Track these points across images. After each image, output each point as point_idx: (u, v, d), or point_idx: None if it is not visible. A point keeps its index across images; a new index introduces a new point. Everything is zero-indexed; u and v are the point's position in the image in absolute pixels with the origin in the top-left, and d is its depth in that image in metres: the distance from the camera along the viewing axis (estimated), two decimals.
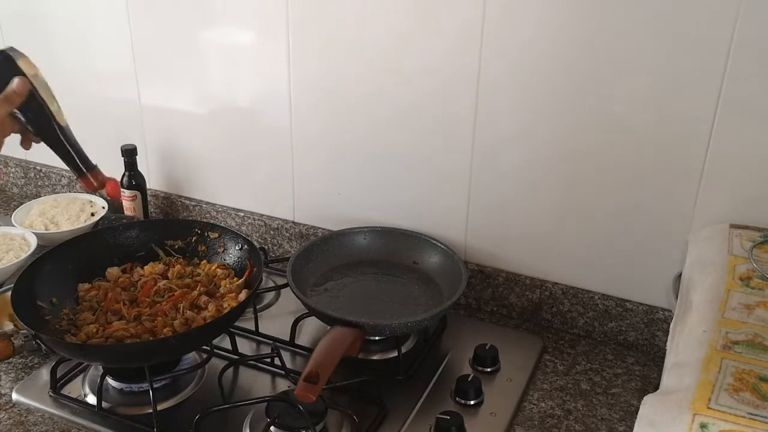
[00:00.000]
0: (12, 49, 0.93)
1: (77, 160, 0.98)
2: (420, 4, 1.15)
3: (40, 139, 0.96)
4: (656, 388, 0.84)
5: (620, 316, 1.19)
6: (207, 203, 1.52)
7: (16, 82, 0.91)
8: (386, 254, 1.31)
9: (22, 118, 0.93)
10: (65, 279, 1.17)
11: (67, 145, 0.96)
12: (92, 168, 0.99)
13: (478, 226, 1.26)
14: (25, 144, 0.97)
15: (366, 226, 1.32)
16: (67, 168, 0.99)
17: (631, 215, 1.13)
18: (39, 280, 1.13)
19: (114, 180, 1.04)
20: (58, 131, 0.95)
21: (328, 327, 1.11)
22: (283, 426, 0.97)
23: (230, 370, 1.12)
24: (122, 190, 1.49)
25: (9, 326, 1.19)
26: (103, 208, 1.54)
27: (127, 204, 1.50)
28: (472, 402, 1.05)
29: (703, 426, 0.67)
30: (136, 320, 1.11)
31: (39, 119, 0.94)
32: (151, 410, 1.01)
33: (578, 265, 1.20)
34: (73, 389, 1.09)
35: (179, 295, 1.15)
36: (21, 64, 0.92)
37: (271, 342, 1.18)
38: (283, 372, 1.10)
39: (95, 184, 0.99)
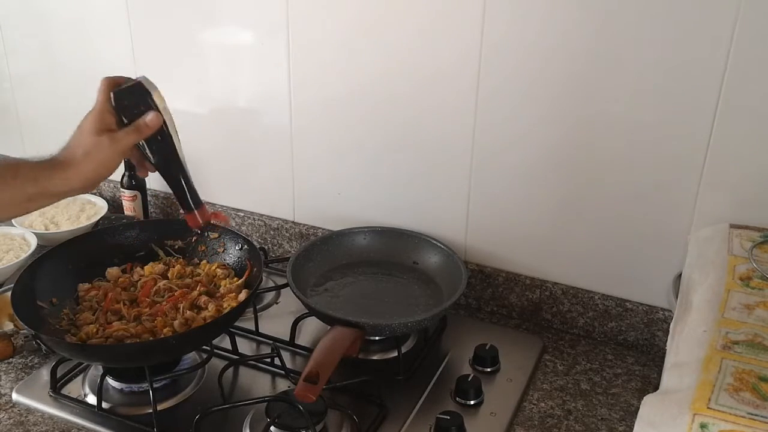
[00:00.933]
0: (146, 79, 0.94)
1: (188, 196, 0.99)
2: (421, 6, 1.15)
3: (156, 170, 0.97)
4: (656, 388, 0.84)
5: (620, 316, 1.19)
6: (207, 203, 1.52)
7: (150, 116, 0.92)
8: (386, 254, 1.31)
9: (147, 149, 0.95)
10: (65, 279, 1.17)
11: (182, 181, 0.98)
12: (201, 205, 1.01)
13: (478, 226, 1.26)
14: (142, 172, 0.99)
15: (366, 226, 1.32)
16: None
17: (631, 215, 1.13)
18: (39, 280, 1.13)
19: (220, 212, 1.07)
20: (178, 168, 0.97)
21: (328, 327, 1.11)
22: (283, 426, 0.97)
23: (230, 370, 1.12)
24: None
25: (9, 326, 1.19)
26: (103, 208, 1.54)
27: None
28: (472, 402, 1.05)
29: (703, 426, 0.67)
30: (136, 320, 1.11)
31: (162, 152, 0.95)
32: (151, 410, 1.01)
33: (578, 265, 1.20)
34: (73, 389, 1.09)
35: (179, 295, 1.15)
36: (155, 96, 0.93)
37: (271, 342, 1.18)
38: (283, 372, 1.10)
39: (200, 221, 1.01)
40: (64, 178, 0.90)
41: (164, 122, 0.93)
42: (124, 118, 0.93)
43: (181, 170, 0.97)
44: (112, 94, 0.93)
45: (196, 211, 1.01)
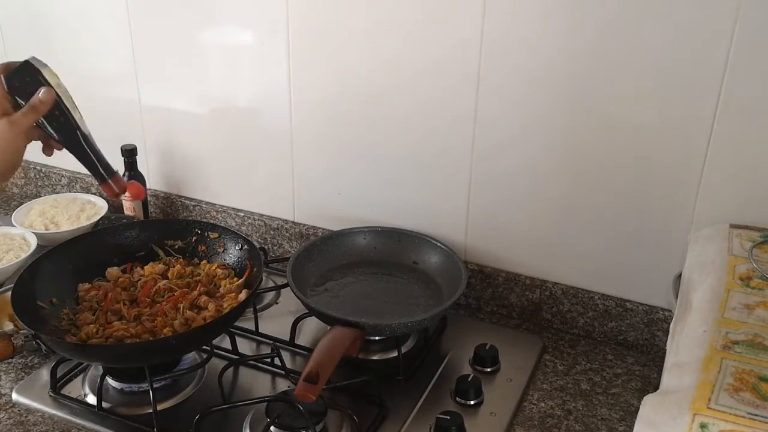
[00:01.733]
0: (34, 59, 0.94)
1: (99, 167, 0.99)
2: (421, 6, 1.15)
3: (62, 147, 0.97)
4: (656, 388, 0.84)
5: (620, 316, 1.19)
6: (207, 203, 1.52)
7: (42, 92, 0.91)
8: (386, 254, 1.31)
9: (48, 127, 0.95)
10: (65, 279, 1.17)
11: (90, 153, 0.98)
12: (113, 174, 1.00)
13: (478, 226, 1.26)
14: (47, 151, 0.99)
15: (366, 226, 1.32)
16: (68, 169, 1.00)
17: (631, 215, 1.13)
18: (39, 280, 1.13)
19: (136, 183, 1.05)
20: (81, 139, 0.96)
21: (328, 327, 1.11)
22: (283, 426, 0.97)
23: (230, 370, 1.12)
24: None
25: (9, 326, 1.19)
26: (103, 208, 1.54)
27: (127, 204, 1.50)
28: (472, 402, 1.05)
29: (703, 426, 0.67)
30: (136, 320, 1.11)
31: (64, 128, 0.95)
32: (151, 410, 1.01)
33: (578, 265, 1.20)
34: (73, 389, 1.09)
35: (179, 295, 1.15)
36: (46, 73, 0.93)
37: (271, 342, 1.18)
38: (283, 372, 1.10)
39: (116, 190, 1.01)
40: None
41: (59, 97, 0.93)
42: (19, 100, 0.92)
43: (87, 142, 0.97)
44: (2, 78, 0.92)
45: (110, 181, 1.00)
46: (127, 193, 1.05)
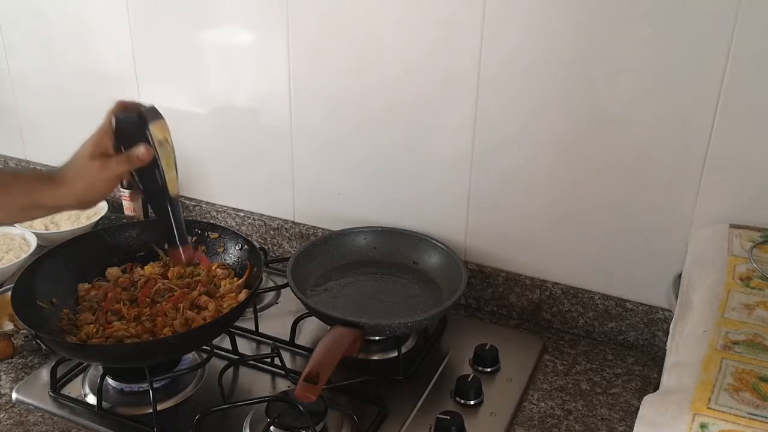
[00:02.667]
0: (152, 108, 0.94)
1: (175, 233, 0.98)
2: (420, 4, 1.15)
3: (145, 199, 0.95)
4: (656, 388, 0.84)
5: (620, 316, 1.19)
6: (207, 203, 1.52)
7: (143, 150, 0.92)
8: (386, 254, 1.31)
9: (137, 179, 0.95)
10: (65, 279, 1.17)
11: (171, 216, 0.97)
12: (186, 242, 1.00)
13: (478, 226, 1.26)
14: (134, 196, 1.02)
15: (366, 226, 1.32)
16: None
17: (630, 215, 1.13)
18: (39, 280, 1.13)
19: (201, 253, 1.07)
20: (165, 201, 0.96)
21: (328, 327, 1.11)
22: (283, 426, 0.97)
23: (230, 370, 1.12)
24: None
25: (9, 326, 1.19)
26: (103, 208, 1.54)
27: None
28: (472, 402, 1.05)
29: (703, 426, 0.67)
30: (136, 320, 1.11)
31: (151, 186, 0.95)
32: (151, 410, 1.01)
33: (578, 265, 1.20)
34: (73, 389, 1.09)
35: (179, 295, 1.15)
36: (153, 127, 0.92)
37: (271, 342, 1.18)
38: (283, 372, 1.10)
39: (183, 258, 1.00)
40: (53, 195, 0.92)
41: (157, 156, 0.93)
42: (121, 145, 0.93)
43: (171, 205, 0.97)
44: (113, 118, 0.93)
45: (180, 248, 0.99)
46: (194, 260, 1.05)
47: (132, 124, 0.92)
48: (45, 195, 0.92)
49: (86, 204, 0.95)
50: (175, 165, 0.96)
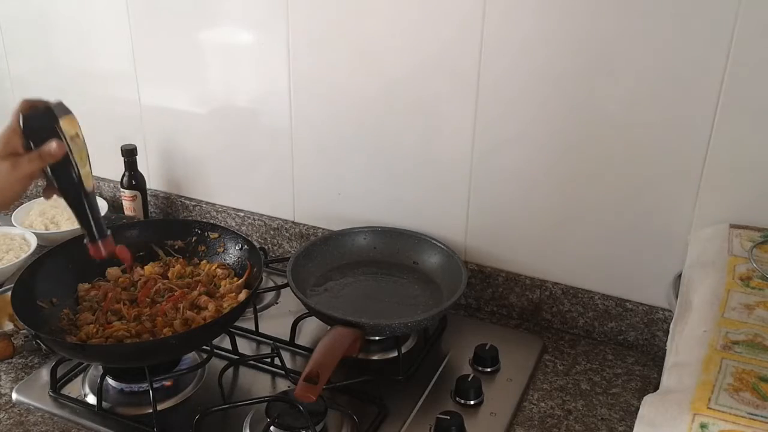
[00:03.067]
0: (60, 105, 0.92)
1: (93, 227, 0.97)
2: (420, 5, 1.15)
3: (61, 196, 0.95)
4: (656, 388, 0.84)
5: (620, 316, 1.19)
6: (207, 203, 1.52)
7: (54, 146, 0.90)
8: (386, 254, 1.31)
9: (51, 176, 0.93)
10: (65, 279, 1.17)
11: (88, 211, 0.96)
12: (105, 236, 0.98)
13: (478, 226, 1.26)
14: (47, 194, 0.97)
15: (366, 226, 1.32)
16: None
17: (630, 215, 1.13)
18: (39, 280, 1.13)
19: (124, 248, 1.05)
20: (82, 196, 0.95)
21: (328, 327, 1.11)
22: (283, 426, 0.97)
23: (230, 370, 1.12)
24: (122, 190, 1.49)
25: (9, 326, 1.19)
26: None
27: (127, 204, 1.50)
28: (472, 402, 1.05)
29: (703, 426, 0.67)
30: (136, 320, 1.11)
31: (66, 182, 0.93)
32: (151, 410, 1.01)
33: (578, 265, 1.20)
34: (73, 389, 1.09)
35: (179, 295, 1.15)
36: (63, 122, 0.91)
37: (271, 342, 1.18)
38: (283, 372, 1.10)
39: (103, 252, 0.99)
40: None
41: (69, 151, 0.91)
42: (31, 143, 0.91)
43: (87, 201, 0.95)
44: (20, 116, 0.91)
45: (99, 242, 0.98)
46: (118, 254, 1.03)
47: (41, 121, 0.90)
48: None
49: (1, 207, 0.93)
50: (88, 159, 0.94)
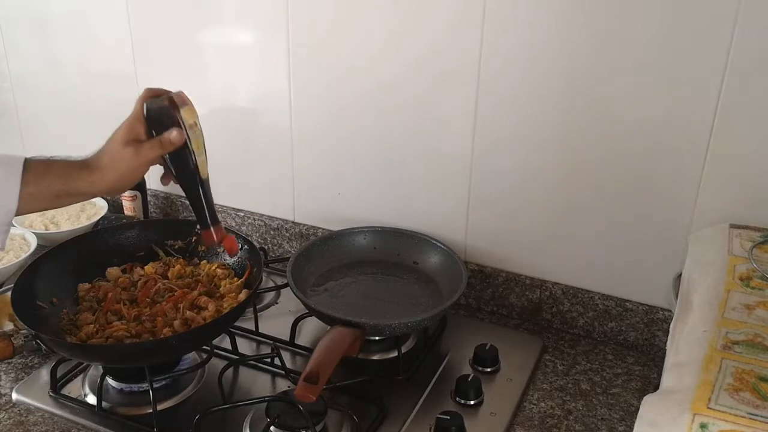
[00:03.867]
0: (180, 94, 0.96)
1: (206, 213, 1.01)
2: (421, 5, 1.15)
3: (177, 183, 0.99)
4: (656, 388, 0.84)
5: (620, 316, 1.19)
6: None
7: (174, 133, 0.94)
8: (386, 254, 1.31)
9: (170, 163, 0.98)
10: (65, 279, 1.17)
11: (202, 198, 1.00)
12: (217, 223, 1.02)
13: (478, 226, 1.26)
14: (165, 181, 1.02)
15: (366, 226, 1.32)
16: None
17: (631, 215, 1.13)
18: (39, 280, 1.13)
19: (232, 237, 1.09)
20: (197, 183, 0.98)
21: (328, 327, 1.11)
22: (283, 426, 0.97)
23: (230, 370, 1.12)
24: None
25: (9, 326, 1.19)
26: (103, 208, 1.54)
27: (127, 204, 1.50)
28: (472, 402, 1.05)
29: (703, 426, 0.67)
30: (136, 320, 1.11)
31: (183, 169, 0.98)
32: (151, 410, 1.01)
33: (578, 265, 1.20)
34: (73, 389, 1.09)
35: (179, 295, 1.15)
36: (183, 112, 0.94)
37: (271, 342, 1.18)
38: (283, 372, 1.10)
39: (215, 238, 1.02)
40: (90, 182, 0.94)
41: (188, 139, 0.95)
42: (153, 130, 0.95)
43: (202, 188, 0.99)
44: (144, 105, 0.95)
45: (212, 228, 1.02)
46: (222, 245, 1.06)
47: (163, 110, 0.94)
48: (81, 182, 0.94)
49: (118, 190, 0.99)
50: (204, 148, 0.98)
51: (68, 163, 0.95)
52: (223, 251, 1.23)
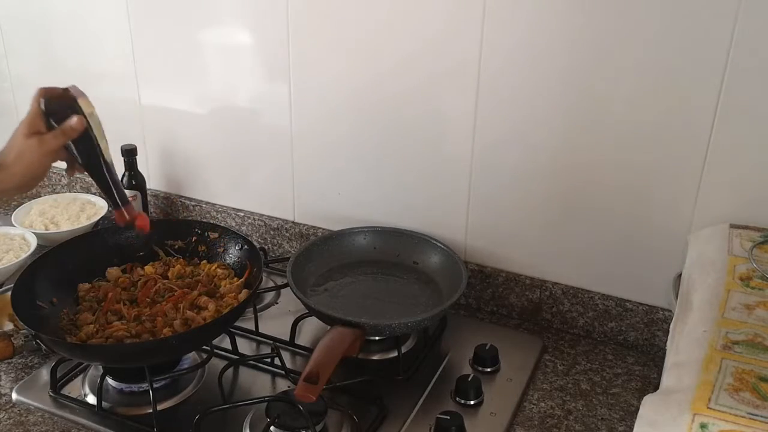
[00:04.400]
0: (74, 87, 1.02)
1: (116, 195, 1.05)
2: (421, 4, 1.15)
3: (84, 170, 1.04)
4: (656, 388, 0.84)
5: (620, 316, 1.19)
6: (207, 203, 1.52)
7: (74, 120, 0.98)
8: (386, 254, 1.31)
9: (75, 150, 1.01)
10: (65, 279, 1.17)
11: (109, 180, 1.04)
12: (127, 203, 1.06)
13: (478, 226, 1.26)
14: (70, 172, 1.05)
15: (366, 226, 1.32)
16: (64, 171, 1.06)
17: (631, 215, 1.13)
18: (39, 280, 1.13)
19: (144, 214, 1.13)
20: (103, 167, 1.03)
21: (328, 327, 1.11)
22: (283, 426, 0.97)
23: (230, 370, 1.12)
24: (126, 190, 1.49)
25: (9, 326, 1.19)
26: (103, 208, 1.54)
27: None
28: (472, 402, 1.05)
29: (703, 426, 0.67)
30: (136, 320, 1.11)
31: (88, 154, 1.02)
32: (151, 410, 1.01)
33: (578, 265, 1.20)
34: (73, 389, 1.09)
35: (179, 295, 1.15)
36: (81, 102, 1.00)
37: (271, 342, 1.18)
38: (283, 372, 1.10)
39: (127, 217, 1.06)
40: None
41: (89, 126, 0.99)
42: (53, 123, 0.99)
43: (108, 170, 1.03)
44: (42, 100, 0.99)
45: (123, 208, 1.06)
46: (138, 221, 1.10)
47: (61, 101, 0.99)
48: None
49: (26, 186, 1.00)
50: (104, 135, 1.02)
51: None
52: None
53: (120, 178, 1.08)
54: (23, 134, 0.97)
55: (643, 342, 1.18)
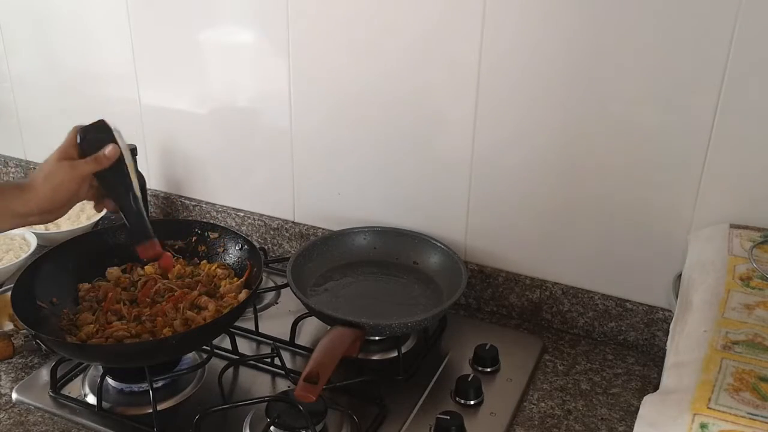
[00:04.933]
0: (107, 120, 1.01)
1: (146, 227, 1.03)
2: (422, 8, 1.15)
3: (113, 203, 1.02)
4: (656, 388, 0.84)
5: (620, 316, 1.19)
6: (207, 203, 1.52)
7: (109, 148, 0.98)
8: (386, 254, 1.31)
9: (105, 181, 1.00)
10: (65, 279, 1.17)
11: (138, 213, 1.02)
12: (152, 238, 1.03)
13: (478, 226, 1.26)
14: (98, 207, 1.04)
15: (366, 226, 1.33)
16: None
17: (631, 215, 1.13)
18: (39, 280, 1.13)
19: (168, 255, 1.10)
20: (131, 199, 1.01)
21: (328, 327, 1.11)
22: (283, 426, 0.97)
23: (230, 370, 1.12)
24: None
25: (9, 326, 1.19)
26: None
27: None
28: (472, 402, 1.05)
29: (703, 426, 0.67)
30: (136, 320, 1.11)
31: (118, 185, 1.00)
32: (151, 410, 1.01)
33: (578, 265, 1.20)
34: (73, 389, 1.09)
35: (179, 295, 1.15)
36: (116, 136, 1.00)
37: (271, 342, 1.18)
38: (283, 372, 1.10)
39: (151, 253, 1.04)
40: (24, 200, 0.94)
41: (122, 156, 0.99)
42: (86, 154, 0.98)
43: (136, 203, 1.02)
44: (78, 131, 0.99)
45: (146, 243, 1.03)
46: (160, 260, 1.08)
47: (96, 130, 0.99)
48: (15, 201, 0.94)
49: (51, 211, 0.97)
50: (134, 170, 1.02)
51: (7, 185, 0.96)
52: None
53: (153, 233, 1.04)
54: (56, 159, 0.96)
55: (643, 342, 1.18)
